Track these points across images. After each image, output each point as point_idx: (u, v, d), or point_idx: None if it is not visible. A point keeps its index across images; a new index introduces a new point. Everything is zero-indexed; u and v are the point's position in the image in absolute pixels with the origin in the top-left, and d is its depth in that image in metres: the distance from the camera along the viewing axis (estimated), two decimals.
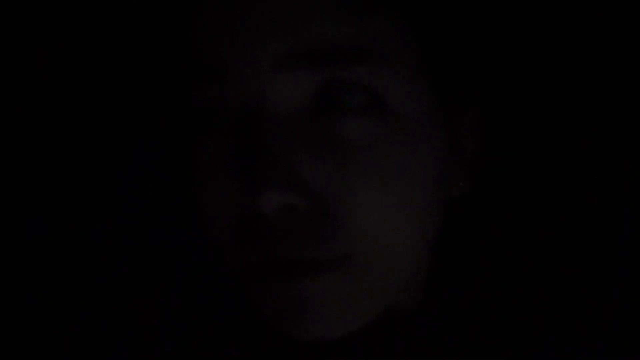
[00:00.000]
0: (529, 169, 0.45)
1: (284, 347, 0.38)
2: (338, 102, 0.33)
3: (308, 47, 0.32)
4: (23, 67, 0.47)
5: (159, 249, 0.45)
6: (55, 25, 0.46)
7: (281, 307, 0.35)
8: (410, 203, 0.35)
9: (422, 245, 0.38)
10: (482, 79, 0.40)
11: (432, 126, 0.36)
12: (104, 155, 0.48)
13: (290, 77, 0.33)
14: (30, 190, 0.47)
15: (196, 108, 0.36)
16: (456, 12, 0.37)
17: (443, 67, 0.36)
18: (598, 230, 0.45)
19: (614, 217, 0.45)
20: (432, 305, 0.42)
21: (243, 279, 0.37)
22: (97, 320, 0.43)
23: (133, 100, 0.47)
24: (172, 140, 0.45)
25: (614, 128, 0.45)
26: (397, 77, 0.34)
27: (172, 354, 0.42)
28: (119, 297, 0.44)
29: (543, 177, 0.45)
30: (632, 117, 0.45)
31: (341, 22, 0.33)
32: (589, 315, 0.43)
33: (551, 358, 0.41)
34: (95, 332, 0.43)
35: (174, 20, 0.37)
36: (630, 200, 0.45)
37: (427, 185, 0.36)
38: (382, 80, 0.33)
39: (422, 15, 0.35)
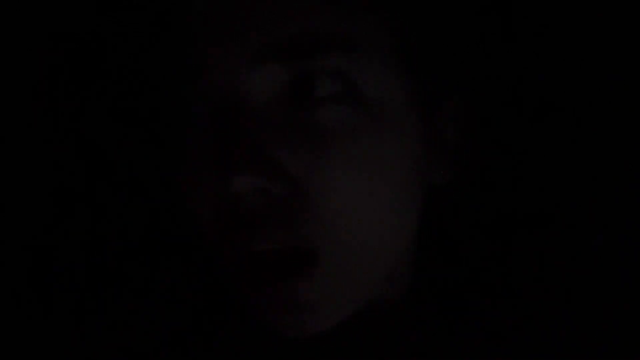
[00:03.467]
0: (514, 157, 0.45)
1: (270, 340, 0.39)
2: (314, 90, 0.34)
3: (283, 39, 0.33)
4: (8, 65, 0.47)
5: (149, 246, 0.46)
6: (37, 20, 0.46)
7: (269, 308, 0.36)
8: (386, 190, 0.35)
9: (402, 233, 0.38)
10: (461, 68, 0.40)
11: (410, 114, 0.36)
12: (92, 151, 0.48)
13: (266, 69, 0.33)
14: (24, 189, 0.48)
15: (176, 100, 0.36)
16: (433, 5, 0.37)
17: (421, 55, 0.36)
18: (583, 220, 0.44)
19: (599, 207, 0.44)
20: (418, 296, 0.42)
21: (229, 276, 0.37)
22: (89, 319, 0.44)
23: (116, 94, 0.47)
24: (156, 133, 0.45)
25: (596, 117, 0.45)
26: (373, 64, 0.34)
27: (162, 350, 0.42)
28: (109, 295, 0.44)
29: (528, 166, 0.45)
30: (613, 104, 0.44)
31: (316, 11, 0.33)
32: (575, 305, 0.42)
33: (539, 350, 0.41)
34: (88, 330, 0.43)
35: (155, 16, 0.38)
36: (613, 188, 0.44)
37: (405, 173, 0.36)
38: (357, 67, 0.34)
39: (398, 2, 0.35)
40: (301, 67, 0.33)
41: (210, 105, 0.35)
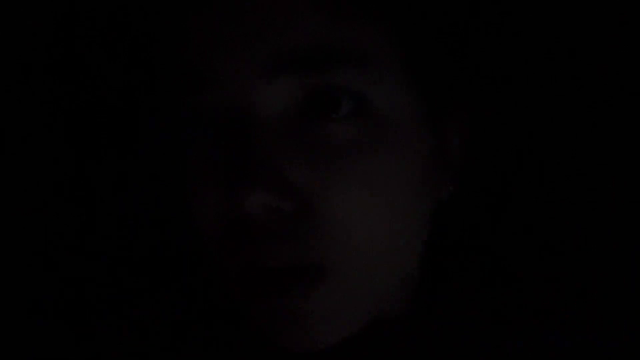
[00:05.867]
0: (519, 171, 0.45)
1: (272, 355, 0.38)
2: (325, 106, 0.33)
3: (295, 53, 0.32)
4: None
5: (150, 256, 0.45)
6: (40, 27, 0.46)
7: (275, 323, 0.35)
8: (396, 207, 0.35)
9: (410, 249, 0.38)
10: (468, 82, 0.40)
11: (418, 130, 0.36)
12: (98, 162, 0.48)
13: (277, 83, 0.33)
14: (26, 196, 0.47)
15: (183, 113, 0.36)
16: (442, 15, 0.37)
17: (429, 71, 0.36)
18: (590, 231, 0.44)
19: (605, 217, 0.44)
20: (424, 310, 0.42)
21: (235, 293, 0.37)
22: (90, 331, 0.43)
23: (122, 105, 0.46)
24: (161, 145, 0.45)
25: (602, 129, 0.44)
26: (383, 80, 0.34)
27: None
28: (108, 304, 0.44)
29: (533, 179, 0.45)
30: (619, 118, 0.44)
31: (328, 26, 0.33)
32: (584, 318, 0.42)
33: None
34: (86, 343, 0.43)
35: (162, 26, 0.37)
36: (619, 200, 0.44)
37: (414, 189, 0.36)
38: (368, 83, 0.33)
39: (407, 19, 0.35)
40: (315, 81, 0.33)
41: (219, 118, 0.34)
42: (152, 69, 0.40)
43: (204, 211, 0.35)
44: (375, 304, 0.37)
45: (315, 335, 0.35)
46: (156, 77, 0.39)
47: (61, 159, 0.47)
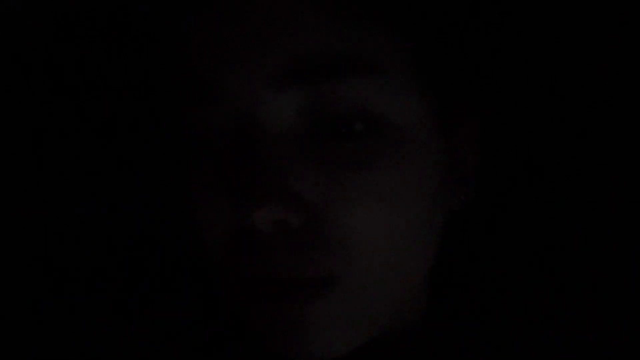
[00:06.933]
0: (531, 179, 0.44)
1: None
2: (332, 117, 0.33)
3: (300, 63, 0.32)
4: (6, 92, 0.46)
5: (151, 259, 0.45)
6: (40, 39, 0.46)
7: (276, 329, 0.35)
8: (407, 220, 0.34)
9: (420, 261, 0.37)
10: (479, 90, 0.39)
11: (429, 139, 0.35)
12: (103, 167, 0.47)
13: (283, 94, 0.32)
14: (30, 197, 0.47)
15: (189, 126, 0.35)
16: (452, 22, 0.36)
17: (439, 79, 0.35)
18: (604, 242, 0.43)
19: (619, 228, 0.43)
20: (435, 321, 0.41)
21: (237, 298, 0.36)
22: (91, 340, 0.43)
23: (128, 112, 0.46)
24: (167, 158, 0.44)
25: (617, 138, 0.44)
26: (392, 89, 0.33)
27: None
28: (111, 305, 0.44)
29: (546, 186, 0.44)
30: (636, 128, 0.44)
31: (334, 31, 0.32)
32: (596, 331, 0.41)
33: None
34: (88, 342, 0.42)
35: (165, 39, 0.37)
36: (633, 211, 0.43)
37: (425, 200, 0.35)
38: (376, 92, 0.33)
39: (416, 25, 0.34)
40: (323, 91, 0.32)
41: (226, 129, 0.34)
42: (157, 78, 0.40)
43: (209, 221, 0.35)
44: (384, 316, 0.36)
45: (313, 345, 0.34)
46: (162, 87, 0.39)
47: (63, 161, 0.47)
